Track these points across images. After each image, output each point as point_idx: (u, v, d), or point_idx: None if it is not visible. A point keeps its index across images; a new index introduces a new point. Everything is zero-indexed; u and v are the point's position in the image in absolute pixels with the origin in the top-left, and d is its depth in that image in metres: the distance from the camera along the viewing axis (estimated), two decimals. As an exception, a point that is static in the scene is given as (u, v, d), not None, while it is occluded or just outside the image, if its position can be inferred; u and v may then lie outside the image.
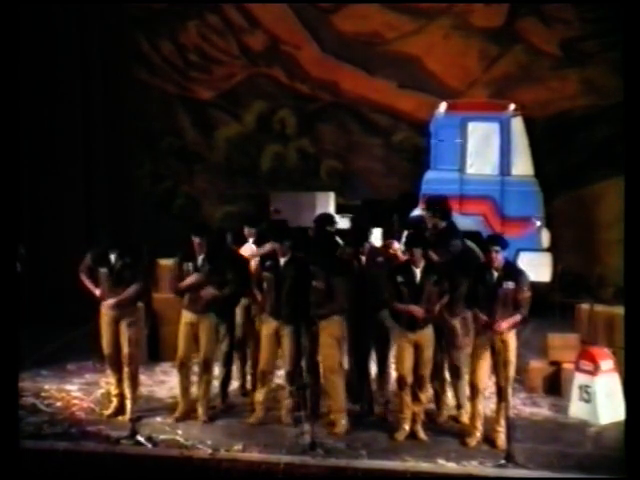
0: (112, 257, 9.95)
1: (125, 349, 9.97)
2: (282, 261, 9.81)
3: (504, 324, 9.16)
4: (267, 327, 9.90)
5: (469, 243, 10.38)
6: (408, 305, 9.34)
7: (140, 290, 10.14)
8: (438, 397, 10.21)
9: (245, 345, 10.70)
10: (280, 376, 10.25)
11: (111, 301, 9.91)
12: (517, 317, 9.25)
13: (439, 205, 10.61)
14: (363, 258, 10.02)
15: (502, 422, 9.19)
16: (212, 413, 10.12)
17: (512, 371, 9.28)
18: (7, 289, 8.44)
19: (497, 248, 9.22)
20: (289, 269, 9.80)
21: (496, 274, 9.23)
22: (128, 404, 9.99)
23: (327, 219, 11.07)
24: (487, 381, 9.50)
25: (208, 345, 9.97)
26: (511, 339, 9.28)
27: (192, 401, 10.14)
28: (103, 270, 9.96)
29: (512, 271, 9.40)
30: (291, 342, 9.82)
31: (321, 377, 9.84)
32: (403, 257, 10.01)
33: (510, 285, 9.22)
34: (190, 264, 9.95)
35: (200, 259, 9.91)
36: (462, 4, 17.08)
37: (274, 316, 9.84)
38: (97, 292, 10.01)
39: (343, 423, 9.68)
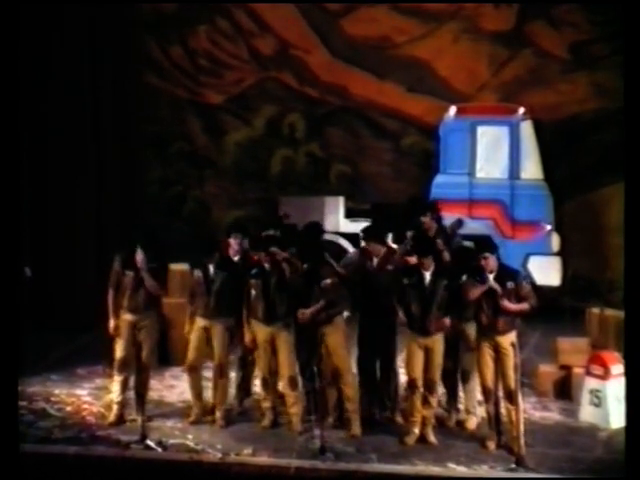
0: (139, 259, 9.99)
1: (142, 354, 10.04)
2: (267, 267, 9.84)
3: (512, 306, 9.22)
4: (261, 334, 9.90)
5: (468, 244, 10.45)
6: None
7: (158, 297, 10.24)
8: (449, 401, 10.23)
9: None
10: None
11: (128, 316, 10.00)
12: (525, 306, 9.34)
13: (433, 209, 10.81)
14: (375, 260, 10.06)
15: (512, 426, 9.19)
16: (227, 416, 10.14)
17: (513, 383, 9.21)
18: (10, 293, 8.48)
19: (486, 254, 9.28)
20: (276, 275, 9.83)
21: (491, 277, 9.28)
22: (137, 408, 10.03)
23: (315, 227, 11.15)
24: (497, 383, 9.49)
25: (221, 349, 10.00)
26: (509, 347, 9.26)
27: (206, 405, 10.17)
28: (129, 273, 10.01)
29: (507, 271, 9.49)
30: (288, 348, 9.84)
31: (339, 379, 9.79)
32: (410, 259, 10.02)
33: (508, 285, 9.29)
34: (200, 271, 10.02)
35: (211, 267, 10.00)
36: (471, 8, 17.06)
37: (266, 322, 9.85)
38: (111, 320, 10.08)
39: (358, 424, 9.71)
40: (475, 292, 9.31)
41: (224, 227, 12.43)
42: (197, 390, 10.19)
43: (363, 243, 10.49)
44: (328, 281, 9.64)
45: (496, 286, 9.25)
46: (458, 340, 9.88)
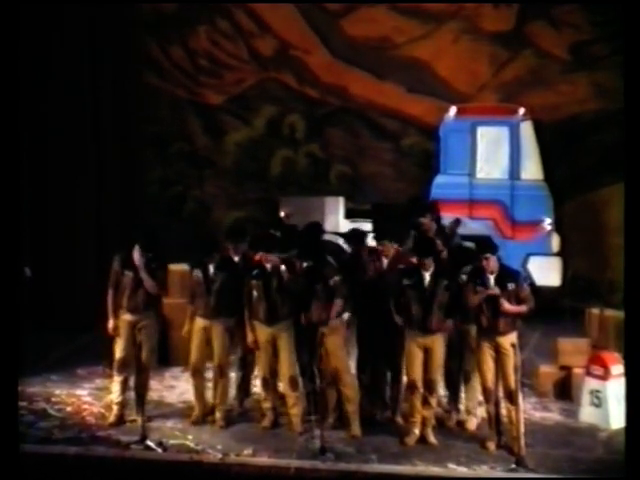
0: (137, 258, 9.97)
1: (142, 354, 10.04)
2: (268, 268, 9.84)
3: (511, 308, 9.22)
4: (262, 334, 9.89)
5: (468, 244, 10.47)
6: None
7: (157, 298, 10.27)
8: (451, 401, 10.23)
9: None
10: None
11: (128, 317, 9.99)
12: (523, 308, 9.34)
13: (432, 209, 10.92)
14: (385, 261, 10.05)
15: (513, 427, 9.19)
16: (228, 417, 10.14)
17: (513, 384, 9.21)
18: (10, 293, 8.49)
19: (487, 255, 9.29)
20: (277, 276, 9.82)
21: (492, 278, 9.28)
22: (137, 409, 10.03)
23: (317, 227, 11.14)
24: (497, 383, 9.48)
25: (221, 350, 10.00)
26: (510, 347, 9.25)
27: (207, 405, 10.17)
28: (129, 273, 10.00)
29: (508, 272, 9.50)
30: (289, 348, 9.83)
31: (338, 380, 9.80)
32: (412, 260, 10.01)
33: (510, 287, 9.30)
34: (199, 271, 10.03)
35: (211, 267, 10.00)
36: (471, 8, 17.05)
37: (267, 323, 9.84)
38: (111, 321, 10.07)
39: (358, 425, 9.71)
40: (475, 299, 9.31)
41: (224, 228, 12.43)
42: (200, 391, 10.19)
43: (374, 243, 10.43)
44: (337, 278, 9.64)
45: (496, 292, 9.25)
46: (461, 341, 9.87)
